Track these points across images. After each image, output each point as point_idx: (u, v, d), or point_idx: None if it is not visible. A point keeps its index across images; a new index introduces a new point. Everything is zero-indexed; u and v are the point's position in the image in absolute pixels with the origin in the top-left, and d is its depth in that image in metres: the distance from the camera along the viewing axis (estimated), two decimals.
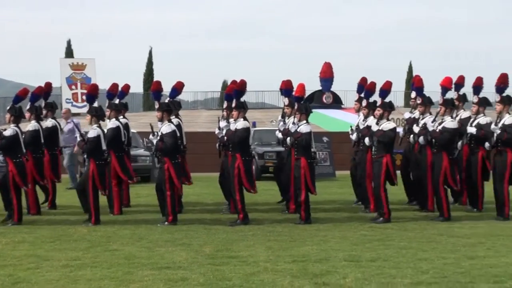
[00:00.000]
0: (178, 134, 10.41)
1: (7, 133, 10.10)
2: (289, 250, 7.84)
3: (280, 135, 11.53)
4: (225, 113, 11.16)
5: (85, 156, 10.23)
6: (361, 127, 11.35)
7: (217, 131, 11.23)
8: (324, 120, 25.13)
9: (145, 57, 44.04)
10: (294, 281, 6.34)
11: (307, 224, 9.94)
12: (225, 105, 11.25)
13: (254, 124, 17.95)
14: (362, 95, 11.66)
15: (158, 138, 10.04)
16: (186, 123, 12.31)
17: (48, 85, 11.77)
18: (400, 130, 11.83)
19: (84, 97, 18.68)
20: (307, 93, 27.97)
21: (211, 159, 14.23)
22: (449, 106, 10.78)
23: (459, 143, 11.15)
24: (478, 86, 11.44)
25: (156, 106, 10.28)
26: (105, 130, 10.63)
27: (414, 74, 22.79)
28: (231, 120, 10.55)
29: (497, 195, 10.52)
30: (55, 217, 10.84)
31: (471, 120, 11.40)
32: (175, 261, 7.24)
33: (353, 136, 11.67)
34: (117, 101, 11.71)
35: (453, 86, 11.29)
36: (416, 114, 11.73)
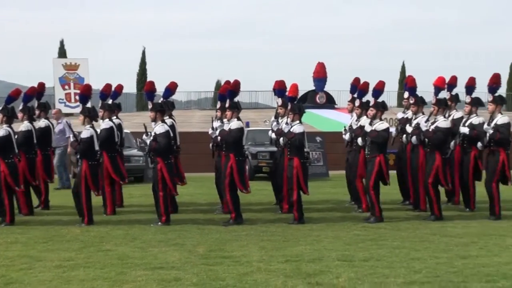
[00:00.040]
0: (172, 135, 10.41)
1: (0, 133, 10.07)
2: (282, 250, 7.85)
3: (273, 135, 11.54)
4: (218, 113, 11.16)
5: (78, 156, 10.22)
6: (354, 127, 11.38)
7: (210, 131, 11.23)
8: (317, 120, 25.14)
9: (138, 57, 43.95)
10: (288, 281, 6.34)
11: (300, 224, 9.95)
12: (218, 105, 11.25)
13: (247, 124, 17.96)
14: (355, 95, 11.69)
15: (152, 138, 10.03)
16: (180, 123, 12.31)
17: (41, 85, 11.75)
18: (392, 130, 11.86)
19: (77, 97, 18.65)
20: (300, 93, 27.97)
21: (205, 159, 14.24)
22: (442, 106, 10.82)
23: (452, 143, 11.19)
24: (470, 86, 11.48)
25: (150, 106, 10.28)
26: (98, 131, 10.61)
27: (407, 74, 22.80)
28: (225, 120, 10.56)
29: (489, 195, 10.56)
30: (48, 217, 10.82)
31: (464, 120, 11.44)
32: (169, 261, 7.24)
33: (346, 136, 11.70)
34: (110, 101, 11.70)
35: (445, 86, 11.34)
36: (409, 114, 11.76)
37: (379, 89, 11.08)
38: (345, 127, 11.84)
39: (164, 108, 10.52)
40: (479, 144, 10.82)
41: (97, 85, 12.01)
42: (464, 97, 11.71)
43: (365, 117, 10.94)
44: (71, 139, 10.25)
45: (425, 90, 13.31)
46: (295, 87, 10.78)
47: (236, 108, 10.36)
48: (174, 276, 6.53)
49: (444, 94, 11.32)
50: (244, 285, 6.22)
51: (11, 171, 10.03)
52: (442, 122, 10.58)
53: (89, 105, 10.44)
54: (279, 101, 11.65)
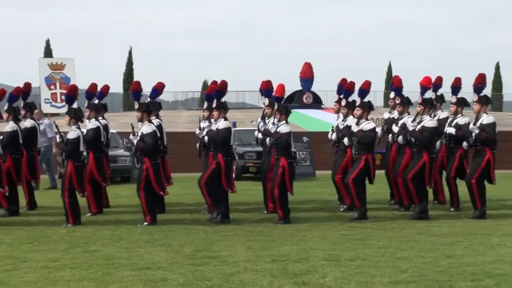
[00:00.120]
0: (159, 135, 10.39)
1: None
2: (269, 250, 7.85)
3: (259, 135, 11.55)
4: (205, 113, 11.16)
5: (64, 157, 10.16)
6: (341, 127, 11.41)
7: (197, 131, 11.23)
8: (304, 120, 25.19)
9: (125, 57, 43.81)
10: (274, 280, 6.35)
11: (287, 223, 9.96)
12: (205, 105, 11.25)
13: (234, 124, 17.94)
14: (342, 96, 11.73)
15: (138, 138, 10.01)
16: (166, 123, 12.28)
17: (27, 86, 11.69)
18: (378, 130, 11.92)
19: (63, 97, 18.56)
20: (287, 93, 28.01)
21: (192, 159, 14.23)
22: (428, 105, 10.89)
23: (438, 143, 11.26)
24: (456, 86, 11.55)
25: (136, 106, 10.25)
26: (84, 131, 10.57)
27: (393, 74, 22.92)
28: (212, 120, 10.56)
29: (469, 190, 10.60)
30: (33, 218, 10.75)
31: (449, 120, 11.50)
32: (155, 261, 7.22)
33: (333, 136, 11.74)
34: (96, 101, 11.65)
35: (431, 86, 11.40)
36: (395, 114, 11.82)
37: (365, 88, 11.12)
38: (332, 127, 11.89)
39: (151, 108, 10.50)
40: (465, 144, 10.89)
41: (84, 85, 11.97)
42: (450, 97, 11.78)
43: (351, 117, 10.99)
44: (58, 139, 10.19)
45: (412, 90, 13.38)
46: (281, 87, 10.81)
47: (223, 108, 10.36)
48: (160, 276, 6.52)
49: (429, 94, 11.38)
50: (231, 285, 6.22)
51: None
52: (429, 121, 10.64)
53: (75, 105, 10.40)
54: (266, 101, 11.67)
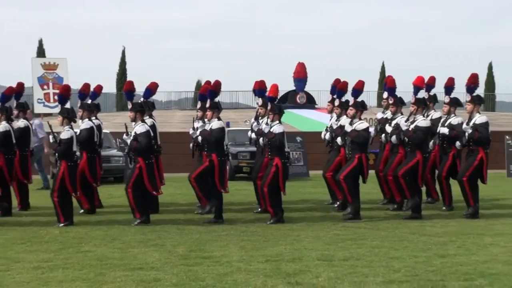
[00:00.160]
0: (152, 134, 10.38)
1: None
2: (262, 250, 7.85)
3: (253, 135, 11.57)
4: (199, 113, 11.17)
5: (57, 157, 10.14)
6: (335, 127, 11.43)
7: (191, 131, 11.23)
8: (298, 120, 25.20)
9: (118, 56, 43.78)
10: (267, 280, 6.35)
11: (280, 223, 9.97)
12: (199, 105, 11.26)
13: (228, 124, 17.94)
14: (335, 96, 11.75)
15: (132, 138, 10.00)
16: (160, 123, 12.27)
17: (20, 86, 11.65)
18: (372, 130, 11.95)
19: (56, 97, 18.51)
20: (281, 93, 27.99)
21: (185, 159, 14.22)
22: (421, 105, 10.92)
23: (431, 143, 11.30)
24: (449, 86, 11.59)
25: (129, 106, 10.24)
26: (77, 131, 10.55)
27: (386, 74, 22.98)
28: (205, 120, 10.57)
29: (461, 188, 10.64)
30: (26, 218, 10.72)
31: (443, 120, 11.54)
32: (148, 261, 7.21)
33: (327, 136, 11.76)
34: (89, 101, 11.63)
35: (424, 86, 11.44)
36: (388, 114, 11.85)
37: (359, 88, 11.14)
38: (327, 127, 11.92)
39: (144, 108, 10.50)
40: (458, 144, 10.92)
41: (77, 85, 11.95)
42: (443, 97, 11.81)
43: (345, 116, 11.01)
44: (51, 140, 10.16)
45: (405, 90, 13.42)
46: (275, 87, 10.82)
47: (216, 108, 10.37)
48: (153, 276, 6.51)
49: (422, 94, 11.42)
50: (224, 285, 6.21)
51: None
52: (422, 121, 10.67)
53: (68, 105, 10.37)
54: (260, 101, 11.67)
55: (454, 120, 11.27)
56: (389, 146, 11.54)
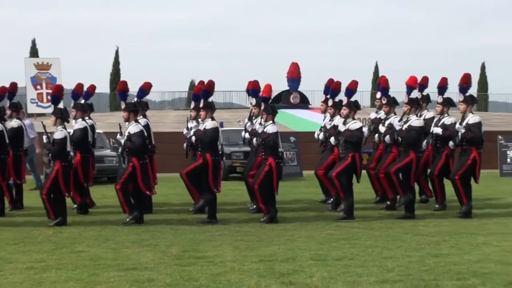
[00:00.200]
0: (146, 134, 10.38)
1: None
2: (256, 250, 7.86)
3: (246, 135, 11.59)
4: (193, 113, 11.17)
5: (50, 157, 10.12)
6: (328, 127, 11.45)
7: (185, 131, 11.24)
8: (291, 120, 25.22)
9: (111, 56, 43.71)
10: (261, 280, 6.35)
11: (274, 223, 9.98)
12: (192, 105, 11.26)
13: (221, 124, 17.94)
14: (328, 95, 11.77)
15: (126, 138, 10.00)
16: (153, 123, 12.26)
17: (13, 86, 11.63)
18: (365, 129, 11.98)
19: (49, 97, 18.48)
20: (275, 93, 27.96)
21: (179, 159, 14.19)
22: (415, 105, 10.96)
23: (424, 143, 11.33)
24: (442, 86, 11.62)
25: (123, 106, 10.23)
26: (70, 131, 10.53)
27: (380, 74, 23.04)
28: (199, 120, 10.58)
29: (453, 187, 10.67)
30: (19, 218, 10.69)
31: (436, 120, 11.58)
32: (142, 262, 7.20)
33: (320, 136, 11.79)
34: (82, 101, 11.61)
35: (417, 86, 11.47)
36: (382, 114, 11.88)
37: (352, 88, 11.16)
38: (321, 127, 11.94)
39: (137, 108, 10.49)
40: (451, 143, 10.96)
41: (70, 85, 11.93)
42: (436, 97, 11.84)
43: (338, 116, 11.03)
44: (44, 140, 10.14)
45: (398, 90, 13.44)
46: (268, 87, 10.83)
47: (210, 108, 10.37)
48: (147, 277, 6.50)
49: (415, 94, 11.45)
50: (218, 285, 6.22)
51: None
52: (415, 121, 10.70)
53: (61, 105, 10.36)
54: (253, 101, 11.69)
55: (447, 120, 11.30)
56: (382, 145, 11.57)
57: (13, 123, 11.59)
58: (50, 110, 11.31)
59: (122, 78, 33.55)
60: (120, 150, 10.30)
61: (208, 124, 10.27)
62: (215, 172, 10.19)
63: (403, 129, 10.63)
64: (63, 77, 27.17)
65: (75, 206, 11.03)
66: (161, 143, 15.83)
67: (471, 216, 10.60)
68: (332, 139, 11.11)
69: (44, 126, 10.14)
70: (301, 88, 31.08)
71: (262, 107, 10.60)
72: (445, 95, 11.59)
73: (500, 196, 13.78)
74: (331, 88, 11.71)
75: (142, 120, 10.90)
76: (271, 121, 10.31)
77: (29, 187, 14.15)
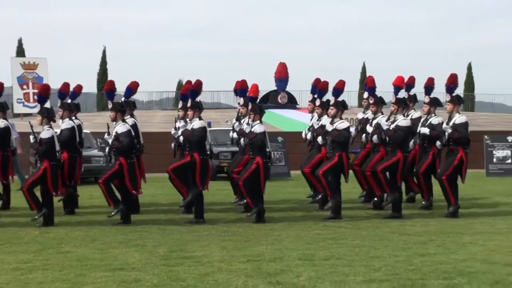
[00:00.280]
0: (134, 134, 10.36)
1: None
2: (243, 250, 7.86)
3: (234, 135, 11.61)
4: (181, 113, 11.16)
5: (37, 157, 10.07)
6: (316, 127, 11.48)
7: (173, 131, 11.22)
8: (279, 120, 25.26)
9: (99, 56, 43.58)
10: (249, 280, 6.35)
11: (261, 222, 9.99)
12: (180, 105, 11.24)
13: (209, 124, 17.95)
14: (316, 95, 11.80)
15: (113, 137, 9.98)
16: (141, 123, 12.22)
17: (0, 85, 11.54)
18: (352, 129, 12.02)
19: (35, 97, 18.41)
20: (262, 93, 27.97)
21: (166, 159, 14.15)
22: (402, 105, 11.00)
23: (411, 143, 11.38)
24: (429, 86, 11.68)
25: (110, 106, 10.20)
26: (57, 131, 10.48)
27: (367, 74, 23.10)
28: (187, 120, 10.57)
29: (441, 187, 10.72)
30: (5, 219, 10.62)
31: (423, 119, 11.63)
32: (129, 262, 7.18)
33: (308, 136, 11.81)
34: (69, 101, 11.56)
35: (404, 86, 11.52)
36: (369, 114, 11.92)
37: (339, 88, 11.19)
38: (308, 127, 11.97)
39: (125, 108, 10.46)
40: (438, 143, 11.01)
41: (57, 85, 11.85)
42: (423, 97, 11.90)
43: (326, 116, 11.06)
44: (31, 140, 10.08)
45: (385, 90, 13.50)
46: (255, 87, 10.84)
47: (198, 107, 10.36)
48: (134, 277, 6.49)
49: (402, 94, 11.50)
50: (205, 286, 6.21)
51: None
52: (402, 121, 10.75)
53: (47, 105, 10.31)
54: (241, 100, 11.69)
55: (434, 120, 11.36)
56: (370, 145, 11.61)
57: (0, 123, 11.52)
58: (37, 110, 11.25)
59: (109, 78, 33.48)
60: (107, 149, 10.27)
61: (196, 123, 10.26)
62: (203, 171, 10.18)
63: (391, 129, 10.67)
64: (50, 77, 27.06)
65: (60, 198, 10.90)
66: (149, 143, 15.79)
67: (458, 216, 10.66)
68: (319, 139, 11.14)
69: (31, 126, 10.10)
70: (288, 88, 31.13)
71: (250, 107, 10.61)
72: (432, 95, 11.64)
73: (486, 195, 13.87)
74: (319, 88, 11.74)
75: (130, 120, 10.87)
76: (258, 121, 10.32)
77: (16, 187, 14.07)
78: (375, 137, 11.19)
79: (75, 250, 7.88)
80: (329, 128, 10.48)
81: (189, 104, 10.41)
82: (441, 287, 6.14)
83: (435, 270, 6.75)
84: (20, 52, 38.94)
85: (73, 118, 11.38)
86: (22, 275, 6.61)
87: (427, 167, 11.46)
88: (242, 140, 11.10)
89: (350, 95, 38.50)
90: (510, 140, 19.93)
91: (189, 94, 10.52)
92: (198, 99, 10.51)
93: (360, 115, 12.36)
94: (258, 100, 11.16)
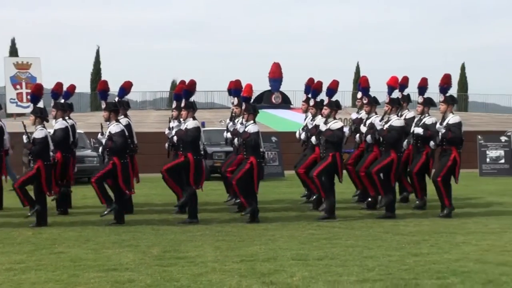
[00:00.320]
0: (128, 134, 10.35)
1: None
2: (237, 250, 7.85)
3: (228, 135, 11.61)
4: (174, 113, 11.16)
5: (30, 157, 10.04)
6: (310, 126, 11.49)
7: (167, 131, 11.22)
8: (273, 120, 25.29)
9: (92, 56, 43.50)
10: (242, 280, 6.35)
11: (255, 222, 9.99)
12: (174, 105, 11.23)
13: (203, 124, 17.94)
14: (309, 95, 11.81)
15: (107, 137, 9.96)
16: (135, 124, 12.21)
17: None
18: (346, 130, 12.04)
19: (28, 97, 18.39)
20: (256, 93, 27.97)
21: (160, 159, 14.15)
22: (396, 105, 11.02)
23: (405, 143, 11.40)
24: (423, 86, 11.70)
25: (103, 106, 10.18)
26: (50, 131, 10.46)
27: (361, 74, 23.15)
28: (181, 120, 10.57)
29: (436, 189, 10.75)
30: None
31: (416, 119, 11.65)
32: (122, 262, 7.17)
33: (302, 135, 11.82)
34: (62, 101, 11.53)
35: (398, 86, 11.54)
36: (363, 114, 11.93)
37: (333, 88, 11.20)
38: (303, 127, 11.98)
39: (118, 108, 10.44)
40: (432, 143, 11.03)
41: (50, 85, 11.83)
42: (416, 97, 11.92)
43: (320, 116, 11.07)
44: (24, 140, 10.05)
45: (379, 90, 13.52)
46: (249, 87, 10.84)
47: (191, 107, 10.36)
48: (128, 277, 6.47)
49: (396, 94, 11.52)
50: (199, 286, 6.20)
51: None
52: (396, 121, 10.77)
53: (40, 105, 10.28)
54: (235, 100, 11.69)
55: (428, 120, 11.38)
56: (364, 145, 11.62)
57: None
58: (30, 109, 11.23)
59: (103, 78, 33.43)
60: (100, 149, 10.25)
61: (190, 123, 10.25)
62: (197, 171, 10.17)
63: (384, 129, 10.69)
64: (43, 77, 27.00)
65: (53, 198, 10.88)
66: (142, 143, 15.78)
67: (451, 216, 10.68)
68: (313, 139, 11.15)
69: (24, 126, 10.07)
70: (282, 88, 31.15)
71: (243, 107, 10.61)
72: (426, 95, 11.67)
73: (479, 195, 13.90)
74: (313, 87, 11.75)
75: (124, 120, 10.85)
76: (252, 121, 10.32)
77: (9, 187, 14.03)
78: (368, 137, 11.20)
79: (68, 251, 7.86)
80: (322, 128, 10.49)
81: (183, 104, 10.40)
82: (434, 286, 6.15)
83: (428, 270, 6.76)
84: (13, 52, 38.82)
85: (67, 118, 11.36)
86: (15, 276, 6.59)
87: (421, 167, 11.48)
88: (236, 140, 11.09)
89: (344, 95, 38.58)
90: (503, 140, 20.00)
91: (183, 94, 10.51)
92: (192, 99, 10.50)
93: (354, 115, 12.37)
94: (252, 100, 11.14)
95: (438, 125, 10.77)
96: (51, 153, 10.03)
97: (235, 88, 11.61)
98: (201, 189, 10.36)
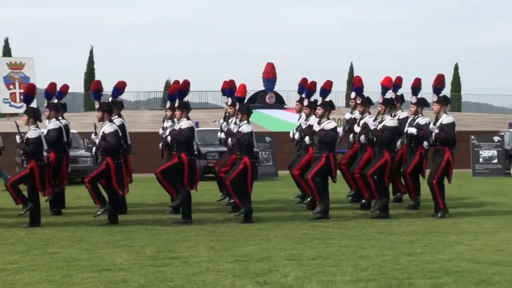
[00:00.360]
0: (121, 134, 10.33)
1: None
2: (231, 250, 7.86)
3: (222, 135, 11.61)
4: (168, 113, 11.15)
5: (24, 157, 10.02)
6: (304, 127, 11.50)
7: (161, 131, 11.21)
8: (267, 120, 25.30)
9: (86, 56, 43.43)
10: (236, 280, 6.36)
11: (249, 222, 9.99)
12: (168, 105, 11.23)
13: (197, 124, 17.94)
14: (303, 95, 11.82)
15: (100, 137, 9.95)
16: (129, 124, 12.21)
17: None
18: (340, 130, 12.05)
19: (22, 97, 18.34)
20: (250, 94, 27.98)
21: (154, 159, 14.14)
22: (389, 105, 11.05)
23: (398, 143, 11.43)
24: (416, 87, 11.73)
25: (96, 106, 10.17)
26: (43, 131, 10.44)
27: (355, 74, 23.19)
28: (175, 120, 10.57)
29: (431, 192, 10.79)
30: None
31: (410, 120, 11.68)
32: (116, 263, 7.16)
33: (296, 136, 11.83)
34: (55, 101, 11.50)
35: (391, 86, 11.57)
36: (357, 114, 11.95)
37: (327, 88, 11.21)
38: (297, 127, 11.99)
39: (112, 108, 10.43)
40: (425, 144, 11.06)
41: (44, 85, 11.81)
42: (410, 98, 11.95)
43: (313, 116, 11.08)
44: (17, 140, 10.03)
45: (373, 90, 13.54)
46: (243, 87, 10.85)
47: (185, 107, 10.36)
48: (121, 278, 6.47)
49: (389, 95, 11.55)
50: (193, 286, 6.20)
51: None
52: (390, 121, 10.79)
53: (34, 105, 10.26)
54: (229, 100, 11.69)
55: (421, 120, 11.41)
56: (357, 145, 11.64)
57: None
58: (23, 110, 11.20)
59: (96, 78, 33.36)
60: (94, 150, 10.23)
61: (184, 123, 10.24)
62: (191, 171, 10.17)
63: (378, 129, 10.71)
64: (36, 77, 26.94)
65: (46, 199, 10.85)
66: (136, 143, 15.77)
67: (447, 211, 10.71)
68: (306, 139, 11.16)
69: (17, 126, 10.04)
70: (276, 88, 31.17)
71: (237, 107, 10.61)
72: (419, 96, 11.69)
73: (472, 195, 13.95)
74: (307, 88, 11.76)
75: (117, 120, 10.84)
76: (246, 121, 10.33)
77: (2, 188, 14.00)
78: (362, 137, 11.21)
79: (61, 251, 7.85)
80: (316, 128, 10.50)
81: (176, 104, 10.39)
82: (428, 286, 6.17)
83: (421, 270, 6.78)
84: (7, 52, 38.73)
85: (60, 118, 11.33)
86: (8, 276, 6.57)
87: (414, 167, 11.51)
88: (229, 140, 11.09)
89: (338, 96, 38.61)
90: (496, 140, 20.07)
91: (176, 94, 10.51)
92: (185, 99, 10.51)
93: (348, 115, 12.39)
94: (245, 100, 11.15)
95: (431, 125, 10.80)
96: (44, 153, 10.01)
97: (229, 88, 11.62)
98: (195, 189, 10.36)
